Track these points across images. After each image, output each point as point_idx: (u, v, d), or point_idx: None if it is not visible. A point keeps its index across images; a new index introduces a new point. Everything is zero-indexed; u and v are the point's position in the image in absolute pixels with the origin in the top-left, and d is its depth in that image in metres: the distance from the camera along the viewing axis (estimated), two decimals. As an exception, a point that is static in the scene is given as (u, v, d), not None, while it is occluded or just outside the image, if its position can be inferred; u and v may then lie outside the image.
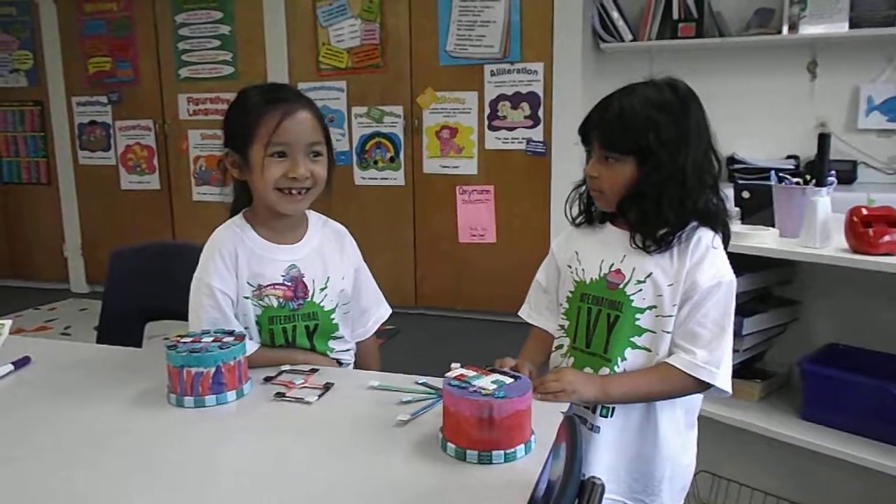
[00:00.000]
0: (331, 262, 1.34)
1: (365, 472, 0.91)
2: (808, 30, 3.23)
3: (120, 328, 1.72)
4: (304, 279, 1.29)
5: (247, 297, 1.27)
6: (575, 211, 1.29)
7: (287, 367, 1.25)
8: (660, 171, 1.12)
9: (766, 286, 1.83)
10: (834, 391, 1.64)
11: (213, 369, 1.10)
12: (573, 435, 0.76)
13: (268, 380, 1.20)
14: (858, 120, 3.30)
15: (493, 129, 3.66)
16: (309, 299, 1.30)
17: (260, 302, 1.27)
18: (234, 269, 1.27)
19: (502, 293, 3.63)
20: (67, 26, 4.37)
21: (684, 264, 1.15)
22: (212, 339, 1.16)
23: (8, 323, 1.52)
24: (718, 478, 1.85)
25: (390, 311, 1.47)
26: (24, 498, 0.86)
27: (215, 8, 4.07)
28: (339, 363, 1.37)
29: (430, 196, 3.82)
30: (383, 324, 1.48)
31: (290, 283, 1.28)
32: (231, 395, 1.12)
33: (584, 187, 1.26)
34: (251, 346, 1.26)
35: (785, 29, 3.27)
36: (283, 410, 1.10)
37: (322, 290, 1.31)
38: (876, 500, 1.67)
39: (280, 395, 1.14)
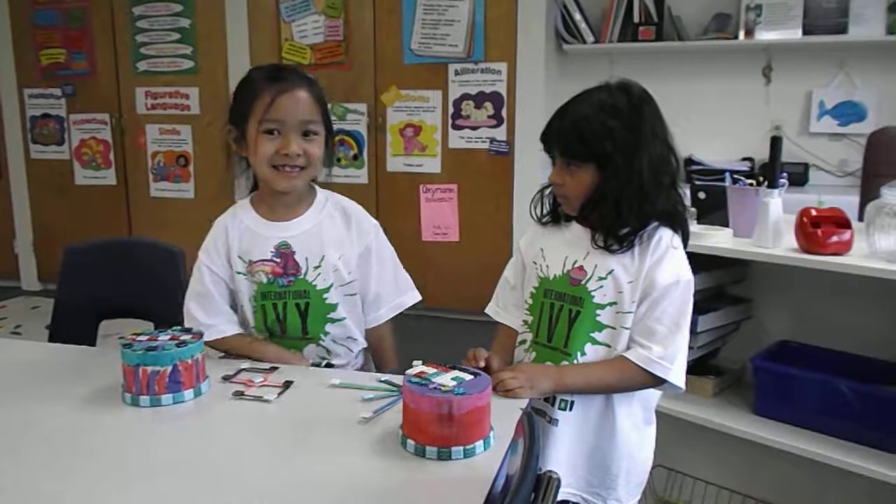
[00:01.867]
0: (329, 241, 1.33)
1: (324, 470, 0.90)
2: (764, 35, 3.32)
3: (73, 326, 1.68)
4: (296, 256, 1.31)
5: (240, 273, 1.30)
6: (540, 210, 1.31)
7: (247, 366, 1.23)
8: (618, 176, 1.15)
9: (719, 284, 1.87)
10: (785, 387, 1.69)
11: (169, 368, 1.08)
12: (531, 430, 0.77)
13: (226, 378, 1.18)
14: (811, 124, 3.40)
15: (456, 128, 3.66)
16: (301, 277, 1.31)
17: (252, 278, 1.30)
18: (224, 249, 1.32)
19: (465, 292, 3.64)
20: (18, 16, 4.22)
21: (644, 263, 1.17)
22: (168, 336, 1.15)
23: (-46, 321, 1.47)
24: (674, 472, 1.89)
25: (418, 298, 1.42)
26: (-30, 500, 0.84)
27: (175, 1, 3.99)
28: (326, 362, 1.34)
29: (393, 194, 3.81)
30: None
31: (278, 260, 1.30)
32: (188, 393, 1.10)
33: (549, 189, 1.28)
34: (231, 330, 1.30)
35: (741, 34, 3.36)
36: (241, 409, 1.08)
37: (316, 268, 1.31)
38: (826, 494, 1.72)
39: (239, 393, 1.12)
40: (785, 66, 3.41)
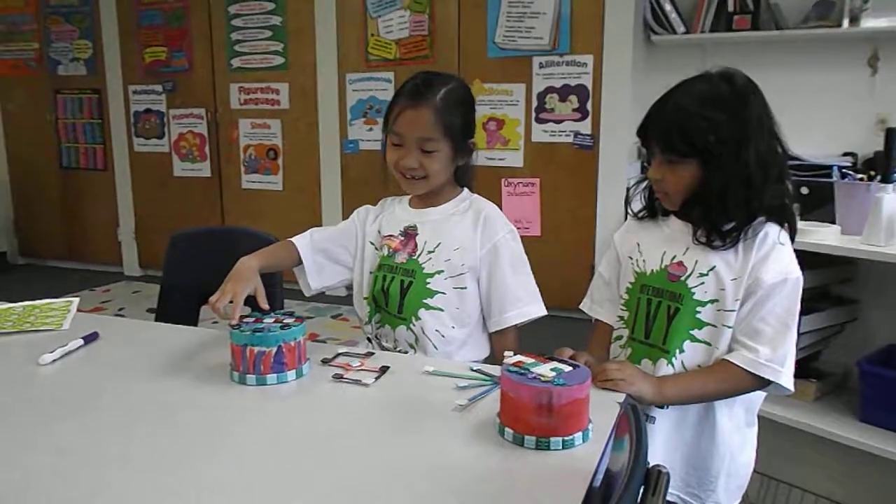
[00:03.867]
0: (451, 232, 1.38)
1: (424, 454, 0.92)
2: (871, 23, 3.12)
3: (177, 309, 1.77)
4: (417, 238, 1.39)
5: (372, 243, 1.44)
6: (636, 205, 1.28)
7: (343, 350, 1.27)
8: (723, 170, 1.11)
9: (824, 284, 1.79)
10: (894, 393, 1.60)
11: (274, 349, 1.13)
12: (637, 423, 0.76)
13: (325, 361, 1.22)
14: (922, 117, 3.18)
15: (540, 121, 3.64)
16: (414, 257, 1.38)
17: (379, 251, 1.42)
18: (362, 225, 1.46)
19: (547, 286, 3.60)
20: (125, 17, 4.49)
21: (749, 259, 1.13)
22: (273, 320, 1.20)
23: (75, 300, 1.58)
24: (769, 478, 1.82)
25: (543, 312, 1.39)
26: (92, 461, 0.90)
27: (267, -1, 4.14)
28: (410, 353, 1.37)
29: (475, 187, 3.82)
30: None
31: (403, 238, 1.41)
32: (291, 374, 1.15)
33: (645, 182, 1.25)
34: (300, 244, 1.43)
35: (846, 22, 3.17)
36: (341, 392, 1.12)
37: (430, 252, 1.37)
38: (935, 507, 1.62)
39: (338, 376, 1.16)
40: (893, 55, 3.20)
